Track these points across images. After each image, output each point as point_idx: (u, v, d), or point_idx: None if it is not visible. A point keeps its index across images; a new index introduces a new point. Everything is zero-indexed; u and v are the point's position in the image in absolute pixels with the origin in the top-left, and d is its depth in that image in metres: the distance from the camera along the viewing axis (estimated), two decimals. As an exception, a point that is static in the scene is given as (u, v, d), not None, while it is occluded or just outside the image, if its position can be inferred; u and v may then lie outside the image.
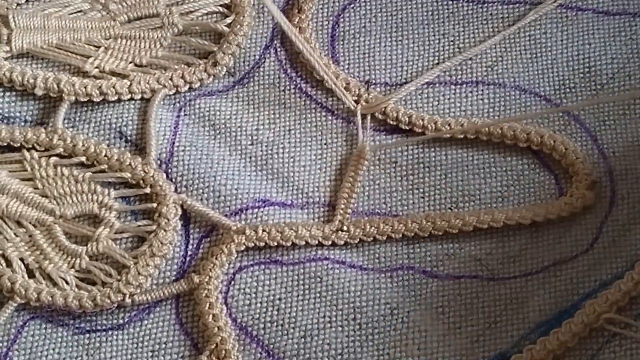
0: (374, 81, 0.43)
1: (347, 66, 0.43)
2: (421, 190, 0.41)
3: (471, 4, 0.44)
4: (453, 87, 0.43)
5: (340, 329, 0.39)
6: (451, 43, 0.44)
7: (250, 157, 0.42)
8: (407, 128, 0.42)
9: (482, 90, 0.43)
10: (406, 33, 0.44)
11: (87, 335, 0.39)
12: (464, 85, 0.43)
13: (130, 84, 0.42)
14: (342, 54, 0.43)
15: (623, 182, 0.41)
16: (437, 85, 0.43)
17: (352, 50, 0.43)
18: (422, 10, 0.44)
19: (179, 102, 0.43)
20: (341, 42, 0.44)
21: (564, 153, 0.41)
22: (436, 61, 0.43)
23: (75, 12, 0.44)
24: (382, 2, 0.44)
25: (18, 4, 0.43)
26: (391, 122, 0.42)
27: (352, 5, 0.44)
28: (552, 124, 0.42)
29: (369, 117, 0.42)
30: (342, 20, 0.44)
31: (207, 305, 0.39)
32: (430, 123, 0.42)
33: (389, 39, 0.44)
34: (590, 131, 0.42)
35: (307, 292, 0.40)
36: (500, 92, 0.43)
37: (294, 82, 0.43)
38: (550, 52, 0.43)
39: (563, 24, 0.44)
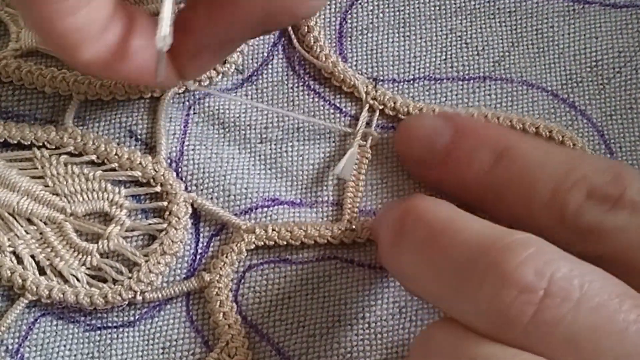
0: (381, 78, 0.43)
1: (354, 63, 0.43)
2: (428, 187, 0.41)
3: (478, -2, 0.44)
4: (460, 82, 0.43)
5: (349, 327, 0.39)
6: (458, 38, 0.44)
7: (260, 156, 0.42)
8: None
9: (490, 85, 0.43)
10: (413, 29, 0.44)
11: (98, 332, 0.40)
12: (472, 81, 0.43)
13: (140, 83, 0.42)
14: (349, 51, 0.43)
15: (630, 177, 0.41)
16: (444, 81, 0.43)
17: (359, 47, 0.43)
18: (429, 6, 0.44)
19: (188, 101, 0.42)
20: (349, 39, 0.44)
21: (572, 148, 0.41)
22: (443, 57, 0.43)
23: (84, 10, 0.44)
24: (389, -2, 0.44)
25: (27, 2, 0.44)
26: (402, 117, 0.42)
27: (359, 2, 0.44)
28: (559, 119, 0.42)
29: (377, 113, 0.42)
30: (349, 16, 0.44)
31: (218, 303, 0.39)
32: (440, 116, 0.42)
33: (397, 35, 0.44)
34: (597, 126, 0.42)
35: (316, 290, 0.40)
36: (507, 87, 0.43)
37: (302, 80, 0.43)
38: (557, 46, 0.43)
39: (570, 17, 0.44)
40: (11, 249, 0.40)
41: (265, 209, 0.41)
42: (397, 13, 0.44)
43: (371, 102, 0.42)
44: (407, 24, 0.44)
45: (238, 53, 0.43)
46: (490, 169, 0.37)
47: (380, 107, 0.42)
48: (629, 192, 0.34)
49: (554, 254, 0.30)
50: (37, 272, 0.40)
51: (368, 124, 0.42)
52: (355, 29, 0.44)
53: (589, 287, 0.29)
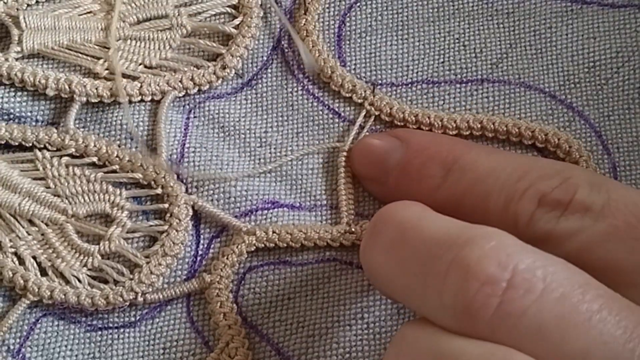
0: (380, 82, 0.43)
1: (353, 67, 0.43)
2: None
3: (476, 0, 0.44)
4: (458, 85, 0.43)
5: (348, 327, 0.39)
6: (456, 41, 0.44)
7: (260, 159, 0.42)
8: (414, 127, 0.42)
9: (487, 87, 0.43)
10: (412, 31, 0.44)
11: (100, 332, 0.40)
12: (469, 84, 0.43)
13: (141, 86, 0.42)
14: (348, 54, 0.43)
15: (627, 178, 0.41)
16: (442, 84, 0.43)
17: (358, 50, 0.43)
18: (427, 8, 0.44)
19: (188, 104, 0.43)
20: (347, 42, 0.44)
21: (568, 151, 0.41)
22: (441, 60, 0.43)
23: (85, 13, 0.44)
24: (388, 0, 0.44)
25: (28, 5, 0.43)
26: (398, 123, 0.42)
27: (358, 4, 0.44)
28: (557, 121, 0.42)
29: (371, 119, 0.42)
30: (348, 19, 0.44)
31: (218, 304, 0.40)
32: (436, 120, 0.42)
33: (395, 38, 0.44)
34: (595, 127, 0.42)
35: (315, 292, 0.40)
36: (505, 89, 0.43)
37: (302, 84, 0.43)
38: (555, 47, 0.43)
39: (568, 17, 0.44)
40: (13, 250, 0.41)
41: (265, 212, 0.41)
42: (396, 16, 0.44)
43: (368, 107, 0.42)
44: (406, 27, 0.44)
45: (238, 57, 0.43)
46: (441, 183, 0.38)
47: (377, 113, 0.42)
48: (578, 196, 0.35)
49: (516, 246, 0.30)
50: (38, 273, 0.40)
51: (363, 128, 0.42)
52: (354, 32, 0.44)
53: (552, 278, 0.29)
